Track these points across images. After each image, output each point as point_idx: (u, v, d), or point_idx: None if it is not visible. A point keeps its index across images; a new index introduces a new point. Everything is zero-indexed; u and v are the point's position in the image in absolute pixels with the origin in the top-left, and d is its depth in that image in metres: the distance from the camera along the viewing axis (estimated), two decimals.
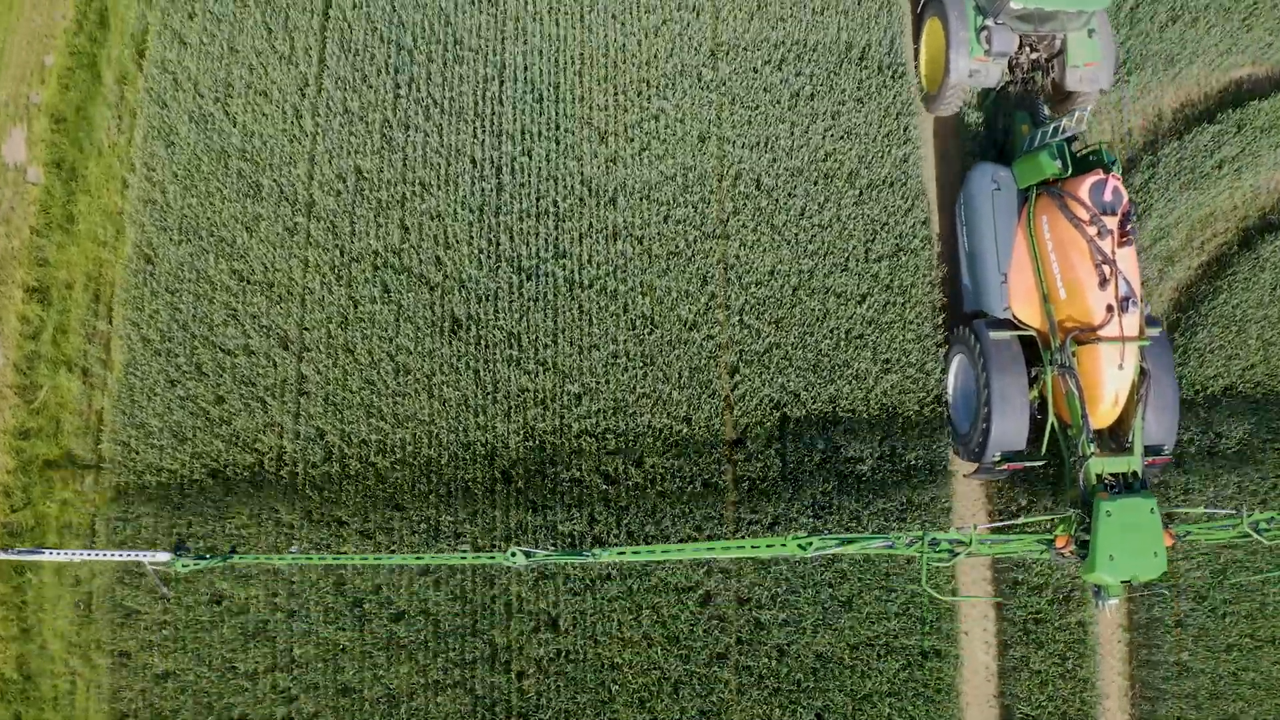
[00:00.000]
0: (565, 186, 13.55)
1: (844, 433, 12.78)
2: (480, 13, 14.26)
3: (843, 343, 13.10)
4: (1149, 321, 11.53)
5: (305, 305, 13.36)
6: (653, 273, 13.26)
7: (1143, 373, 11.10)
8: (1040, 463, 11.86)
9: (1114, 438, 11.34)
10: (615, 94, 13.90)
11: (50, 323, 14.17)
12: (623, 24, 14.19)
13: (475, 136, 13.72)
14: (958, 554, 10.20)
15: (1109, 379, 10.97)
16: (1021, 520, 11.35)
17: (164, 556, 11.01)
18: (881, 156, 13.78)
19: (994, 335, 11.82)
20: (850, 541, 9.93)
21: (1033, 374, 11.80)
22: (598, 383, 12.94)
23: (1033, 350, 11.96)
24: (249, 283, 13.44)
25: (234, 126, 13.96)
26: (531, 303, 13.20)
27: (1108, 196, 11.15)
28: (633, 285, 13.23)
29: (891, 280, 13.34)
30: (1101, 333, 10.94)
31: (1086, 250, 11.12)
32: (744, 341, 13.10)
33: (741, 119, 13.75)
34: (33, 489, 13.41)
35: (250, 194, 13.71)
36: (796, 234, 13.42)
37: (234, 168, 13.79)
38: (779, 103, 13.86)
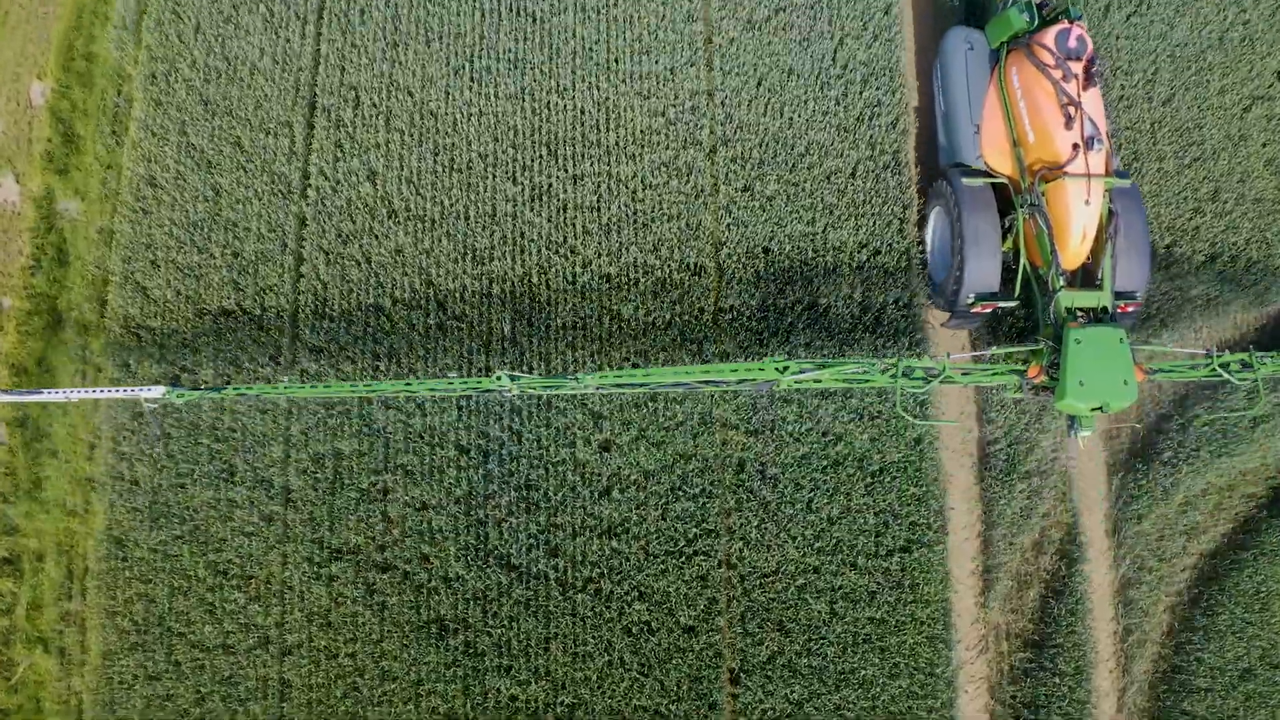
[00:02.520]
0: (557, 476, 12.73)
1: None
2: (465, 274, 13.18)
3: (850, 649, 12.48)
4: (1119, 174, 12.11)
5: (285, 602, 12.74)
6: (650, 573, 12.55)
7: (1111, 214, 11.65)
8: (1014, 303, 12.23)
9: (1086, 280, 11.79)
10: (610, 366, 12.94)
11: (24, 596, 13.62)
12: (616, 286, 13.12)
13: (460, 418, 12.85)
14: (930, 381, 10.67)
15: (1076, 215, 11.41)
16: (993, 350, 11.42)
17: (158, 390, 11.15)
18: (895, 438, 12.88)
19: (967, 182, 12.32)
20: (826, 366, 10.52)
21: (1006, 224, 12.23)
22: (591, 693, 12.40)
23: (1006, 204, 12.38)
24: (226, 576, 12.81)
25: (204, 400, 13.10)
26: (522, 606, 12.56)
27: (1072, 43, 11.74)
28: (629, 588, 12.54)
29: (903, 577, 12.62)
30: (1068, 169, 11.46)
31: (1053, 93, 11.69)
32: (746, 649, 12.47)
33: (745, 402, 12.81)
34: None
35: (224, 477, 12.95)
36: (803, 529, 12.64)
37: (205, 447, 12.99)
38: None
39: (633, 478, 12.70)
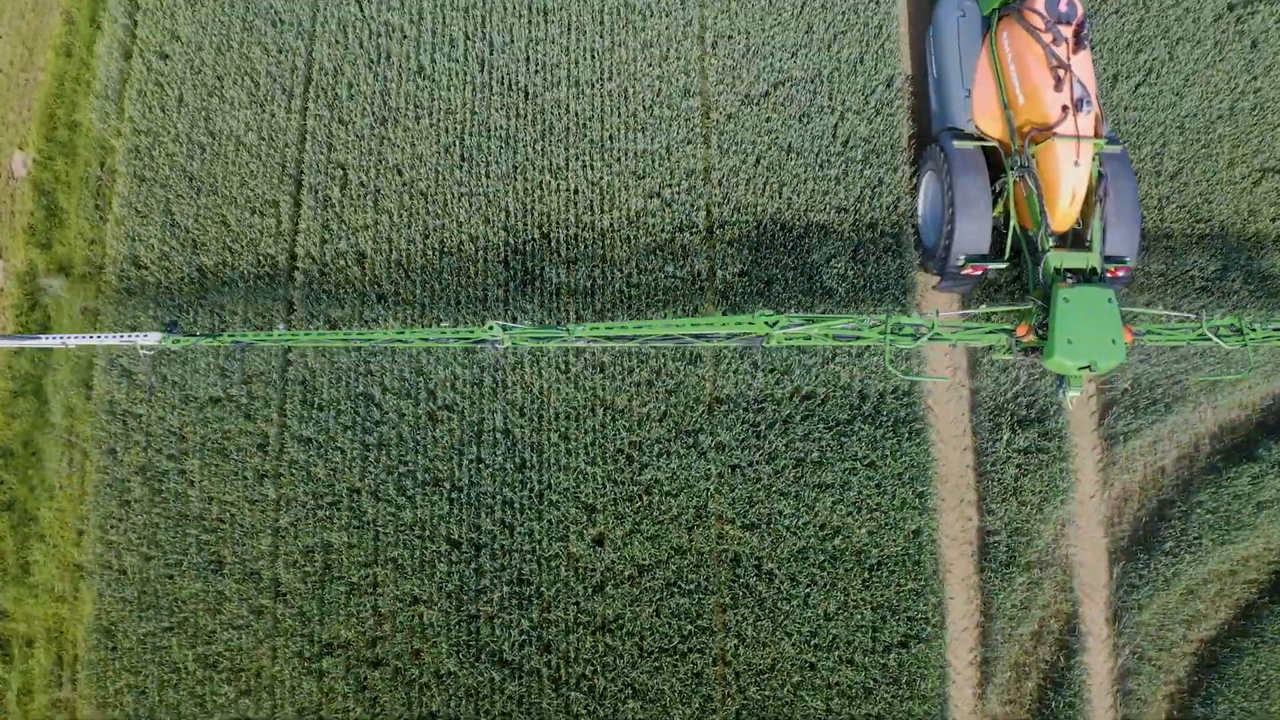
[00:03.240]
0: (550, 571, 12.55)
1: None
2: (455, 362, 12.92)
3: None
4: (1110, 140, 12.24)
5: (275, 697, 12.60)
6: (643, 670, 12.40)
7: (1101, 177, 11.69)
8: (1003, 265, 12.25)
9: (1076, 244, 11.83)
10: (604, 460, 12.72)
11: (14, 682, 13.48)
12: (611, 377, 12.87)
13: (451, 508, 12.64)
14: (920, 337, 10.76)
15: (1066, 175, 11.49)
16: (983, 309, 11.53)
17: (154, 336, 11.19)
18: (893, 528, 12.69)
19: (958, 145, 12.44)
20: (816, 321, 10.60)
21: (996, 188, 12.30)
22: None
23: (997, 170, 12.48)
24: (215, 669, 12.66)
25: (190, 487, 12.90)
26: (514, 703, 12.42)
27: (1063, 7, 11.94)
28: (622, 685, 12.39)
29: (900, 673, 12.46)
30: (1057, 130, 11.57)
31: (1043, 56, 11.83)
32: None
33: (742, 494, 12.60)
34: None
35: (212, 568, 12.77)
36: (800, 625, 12.46)
37: (193, 537, 12.81)
38: (783, 472, 12.67)
39: (626, 573, 12.52)
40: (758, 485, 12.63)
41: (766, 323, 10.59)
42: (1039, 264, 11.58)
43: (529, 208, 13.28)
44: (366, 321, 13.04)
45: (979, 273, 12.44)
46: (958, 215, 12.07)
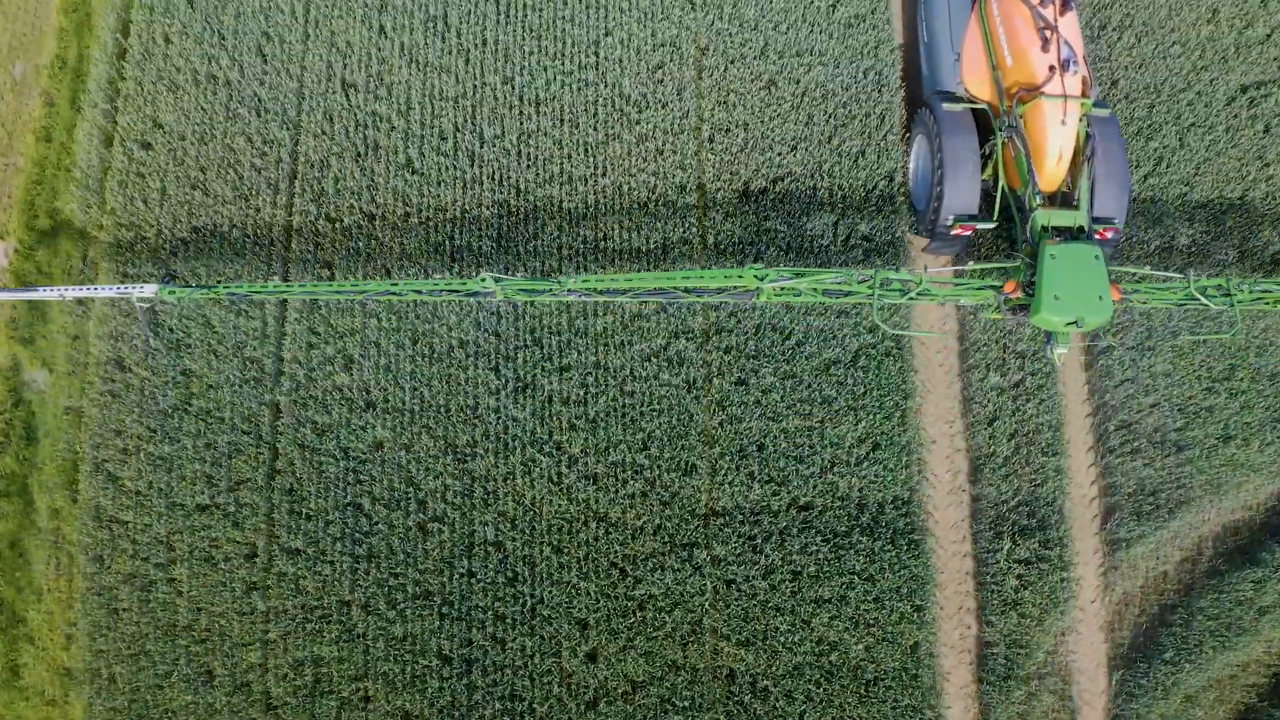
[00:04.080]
0: (542, 686, 12.39)
1: None
2: (445, 472, 12.68)
3: None
4: (1098, 104, 12.39)
5: None
6: None
7: (1089, 137, 11.78)
8: (992, 224, 12.35)
9: (1064, 204, 11.85)
10: (597, 574, 12.51)
11: None
12: (604, 489, 12.63)
13: (442, 622, 12.47)
14: (907, 293, 10.78)
15: (1053, 134, 11.58)
16: (971, 266, 11.54)
17: (150, 288, 11.24)
18: (890, 643, 12.51)
19: (947, 107, 12.63)
20: (805, 275, 10.63)
21: (985, 151, 12.46)
22: None
23: (986, 133, 12.62)
24: None
25: (179, 596, 12.72)
26: None
27: None
28: None
29: None
30: (1045, 90, 11.65)
31: (1030, 18, 11.97)
32: None
33: (737, 610, 12.41)
34: None
35: (202, 680, 12.62)
36: None
37: (183, 648, 12.65)
38: (779, 587, 12.46)
39: (620, 689, 12.37)
40: (753, 600, 12.44)
41: (756, 276, 10.61)
42: (1027, 222, 11.61)
43: (521, 312, 12.96)
44: (355, 429, 12.79)
45: (968, 233, 12.51)
46: (947, 175, 12.18)
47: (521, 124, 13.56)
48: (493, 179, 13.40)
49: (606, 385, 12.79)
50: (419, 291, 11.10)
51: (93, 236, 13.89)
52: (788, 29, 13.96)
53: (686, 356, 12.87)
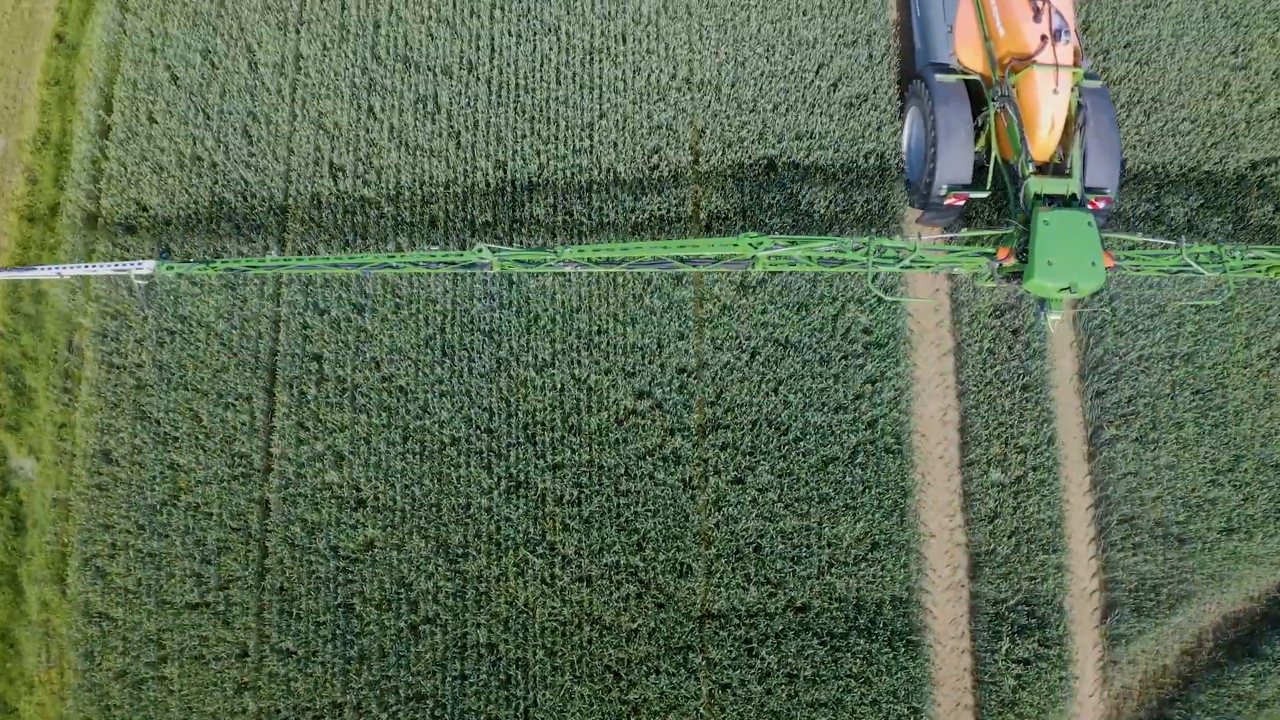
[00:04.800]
0: None
1: None
2: (437, 573, 12.50)
3: None
4: (1089, 75, 12.47)
5: None
6: None
7: (1080, 106, 11.89)
8: (985, 193, 12.41)
9: (1056, 174, 11.92)
10: (591, 678, 12.37)
11: None
12: (599, 591, 12.46)
13: None
14: (901, 259, 10.88)
15: (1045, 103, 11.68)
16: (964, 232, 11.74)
17: (149, 265, 11.32)
18: None
19: (940, 77, 12.71)
20: (799, 243, 10.73)
21: (978, 122, 12.48)
22: None
23: (979, 106, 12.68)
24: None
25: (170, 695, 12.58)
26: None
27: None
28: None
29: None
30: (1036, 59, 11.75)
31: None
32: None
33: (733, 714, 12.25)
34: None
35: None
36: None
37: None
38: (775, 691, 12.31)
39: None
40: (749, 704, 12.32)
41: (751, 244, 10.67)
42: (1020, 191, 11.64)
43: (513, 409, 12.74)
44: (345, 527, 12.61)
45: (961, 202, 12.55)
46: (940, 144, 12.22)
47: (514, 212, 13.25)
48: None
49: (601, 484, 12.58)
50: (416, 264, 11.18)
51: (77, 322, 13.64)
52: (787, 110, 13.60)
53: (682, 454, 12.65)
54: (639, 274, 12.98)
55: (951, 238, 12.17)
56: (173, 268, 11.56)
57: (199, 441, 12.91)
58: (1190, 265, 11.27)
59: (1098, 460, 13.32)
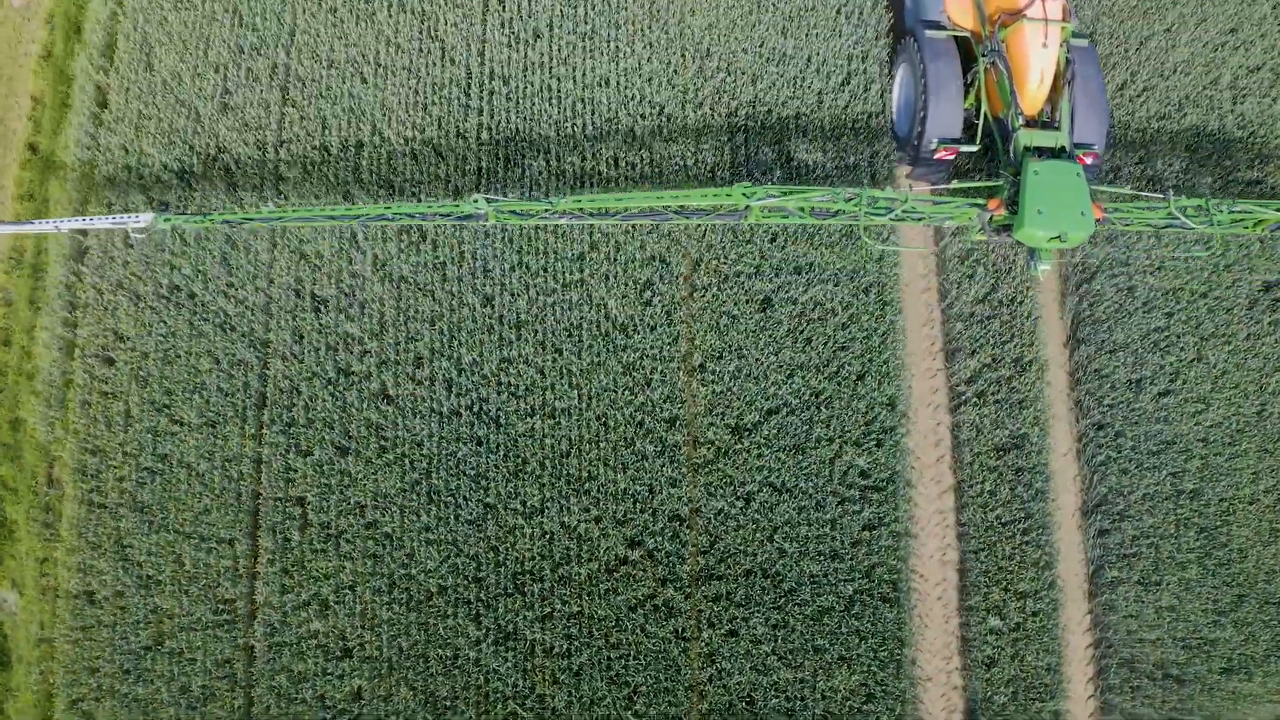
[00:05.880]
0: None
1: None
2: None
3: None
4: (1078, 34, 12.81)
5: None
6: None
7: (1069, 63, 12.21)
8: (975, 147, 12.69)
9: (1045, 126, 12.19)
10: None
11: None
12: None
13: None
14: (892, 210, 11.13)
15: (1035, 57, 12.00)
16: (955, 184, 12.01)
17: (146, 217, 11.37)
18: None
19: (930, 34, 13.00)
20: (792, 193, 10.96)
21: (969, 79, 12.80)
22: None
23: (968, 62, 12.97)
24: None
25: None
26: None
27: None
28: None
29: None
30: (1026, 13, 12.08)
31: None
32: None
33: None
34: None
35: None
36: None
37: None
38: None
39: None
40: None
41: (744, 194, 10.85)
42: (1010, 145, 11.89)
43: (501, 557, 12.46)
44: (331, 678, 12.40)
45: (951, 156, 12.77)
46: (930, 97, 12.50)
47: (501, 350, 12.84)
48: (470, 409, 12.75)
49: (591, 636, 12.35)
50: (410, 215, 11.28)
51: (57, 455, 13.33)
52: (786, 243, 13.11)
53: (675, 605, 12.39)
54: (631, 418, 12.62)
55: (942, 189, 12.39)
56: (169, 220, 11.45)
57: (182, 586, 12.66)
58: (1178, 218, 11.38)
59: (1098, 601, 13.06)
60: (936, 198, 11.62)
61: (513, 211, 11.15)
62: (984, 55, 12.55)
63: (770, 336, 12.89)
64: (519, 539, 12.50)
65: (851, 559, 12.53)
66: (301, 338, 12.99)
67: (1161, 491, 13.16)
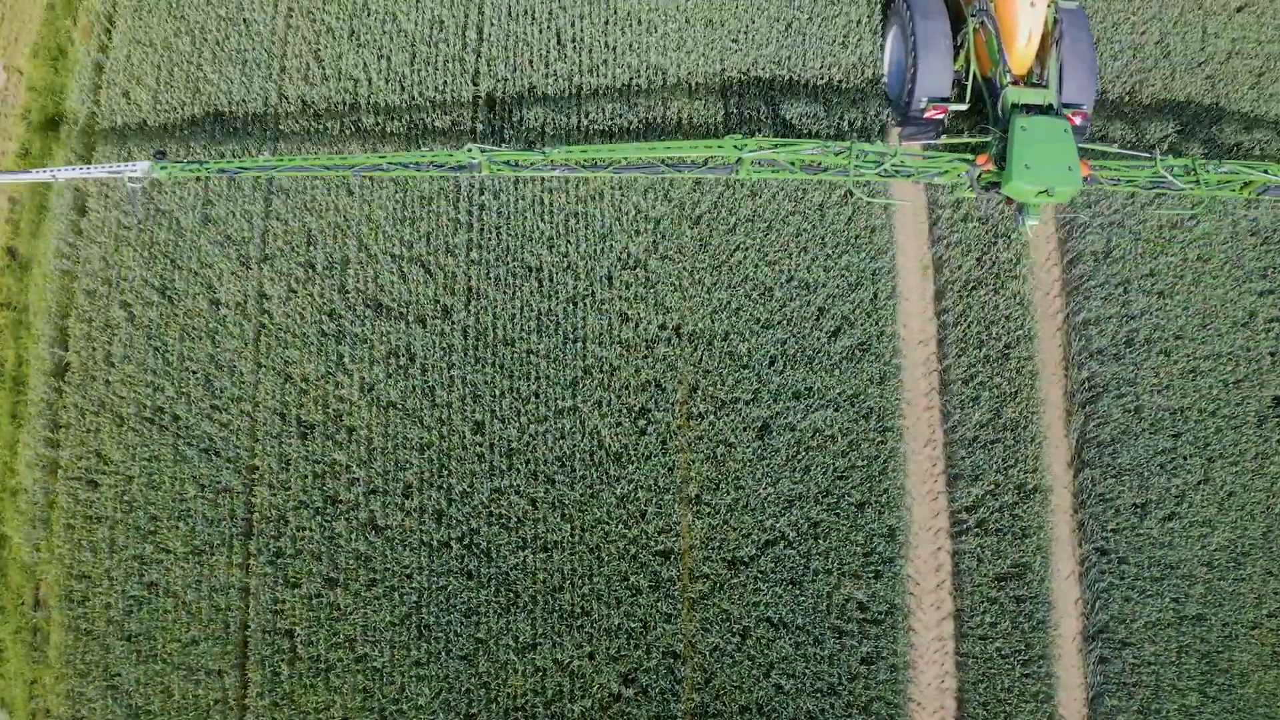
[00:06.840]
0: None
1: None
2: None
3: None
4: None
5: None
6: None
7: (1057, 22, 12.33)
8: (964, 105, 12.96)
9: (1034, 85, 12.38)
10: None
11: None
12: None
13: None
14: (881, 164, 11.21)
15: (1023, 16, 12.16)
16: (943, 140, 12.37)
17: (143, 165, 11.35)
18: None
19: None
20: (783, 146, 11.07)
21: (958, 41, 13.00)
22: None
23: (958, 24, 13.16)
24: None
25: None
26: None
27: None
28: None
29: None
30: None
31: None
32: None
33: None
34: None
35: None
36: None
37: None
38: None
39: None
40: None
41: (735, 146, 10.88)
42: (999, 102, 12.00)
43: (493, 694, 12.29)
44: None
45: (941, 115, 12.94)
46: (920, 56, 12.66)
47: (492, 479, 12.56)
48: (461, 541, 12.50)
49: None
50: (404, 165, 11.16)
51: (43, 577, 13.13)
52: (785, 366, 12.76)
53: None
54: (625, 551, 12.38)
55: (931, 144, 12.59)
56: (166, 168, 11.32)
57: (171, 717, 12.52)
58: (1165, 178, 11.40)
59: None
60: (925, 152, 11.65)
61: (506, 162, 11.02)
62: (973, 15, 12.66)
63: (768, 466, 12.59)
64: (511, 675, 12.32)
65: (849, 694, 12.36)
66: (288, 464, 12.71)
67: (1164, 619, 12.94)
